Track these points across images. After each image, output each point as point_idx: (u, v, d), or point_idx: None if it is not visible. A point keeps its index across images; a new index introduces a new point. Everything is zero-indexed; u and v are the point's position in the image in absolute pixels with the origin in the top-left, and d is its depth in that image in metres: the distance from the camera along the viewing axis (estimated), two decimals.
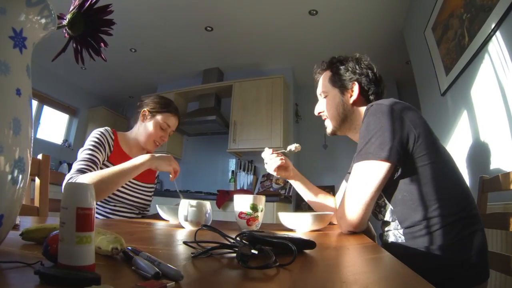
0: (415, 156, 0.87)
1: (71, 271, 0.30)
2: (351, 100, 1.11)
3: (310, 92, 4.67)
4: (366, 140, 0.89)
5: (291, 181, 1.33)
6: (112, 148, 1.36)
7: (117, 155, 1.37)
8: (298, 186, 1.33)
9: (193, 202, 0.94)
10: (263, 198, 0.97)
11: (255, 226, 0.96)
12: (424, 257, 0.83)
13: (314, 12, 2.95)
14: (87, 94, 5.06)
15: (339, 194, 1.31)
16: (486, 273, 0.85)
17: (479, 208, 1.19)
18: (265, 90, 3.64)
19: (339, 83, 1.13)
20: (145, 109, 1.46)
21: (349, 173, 1.18)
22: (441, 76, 2.10)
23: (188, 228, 0.93)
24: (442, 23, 2.02)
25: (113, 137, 1.39)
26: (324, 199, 1.32)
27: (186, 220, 0.93)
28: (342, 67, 1.13)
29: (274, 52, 3.78)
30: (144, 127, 1.46)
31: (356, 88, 1.10)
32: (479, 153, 1.60)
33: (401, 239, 0.90)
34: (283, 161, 1.25)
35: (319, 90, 1.20)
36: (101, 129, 1.37)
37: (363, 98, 1.12)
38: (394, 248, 0.90)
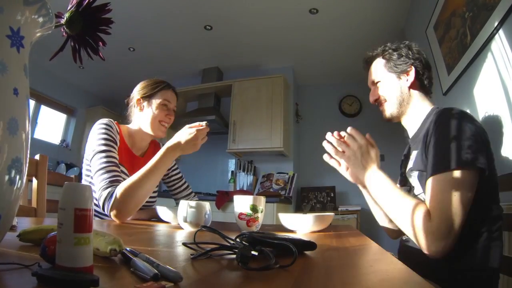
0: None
1: (69, 273, 0.30)
2: (408, 84, 1.10)
3: (311, 92, 4.68)
4: (454, 146, 0.83)
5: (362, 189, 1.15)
6: (118, 143, 1.27)
7: (122, 151, 1.30)
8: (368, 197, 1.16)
9: (192, 203, 0.94)
10: (263, 198, 0.97)
11: (255, 227, 0.95)
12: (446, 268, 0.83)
13: (315, 10, 2.95)
14: (85, 93, 5.06)
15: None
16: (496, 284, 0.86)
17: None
18: (265, 89, 3.64)
19: (394, 68, 1.13)
20: (137, 97, 1.39)
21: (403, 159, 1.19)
22: (443, 76, 2.10)
23: (188, 229, 0.93)
24: (444, 22, 2.02)
25: (118, 130, 1.30)
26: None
27: (185, 221, 0.93)
28: (395, 53, 1.13)
29: (274, 51, 3.78)
30: (145, 115, 1.37)
31: (412, 72, 1.10)
32: None
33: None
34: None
35: (373, 77, 1.18)
36: (105, 121, 1.27)
37: (418, 82, 1.12)
38: (417, 256, 0.86)
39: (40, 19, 0.44)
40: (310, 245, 0.55)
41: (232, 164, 4.03)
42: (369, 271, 0.49)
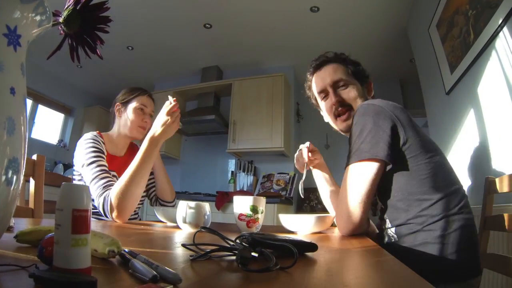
0: (406, 156, 0.90)
1: (67, 274, 0.30)
2: (371, 94, 1.18)
3: None
4: (358, 141, 0.92)
5: (314, 169, 1.35)
6: (105, 152, 1.35)
7: (108, 159, 1.36)
8: (318, 175, 1.35)
9: (192, 203, 0.94)
10: (263, 199, 0.97)
11: (255, 228, 0.95)
12: (414, 253, 0.85)
13: (316, 8, 2.95)
14: (83, 93, 5.06)
15: None
16: (477, 268, 0.87)
17: (485, 210, 1.19)
18: (265, 88, 3.64)
19: (360, 76, 1.15)
20: (117, 103, 1.50)
21: None
22: (445, 75, 2.10)
23: (187, 230, 0.93)
24: (446, 20, 2.02)
25: (102, 140, 1.38)
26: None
27: (184, 222, 0.93)
28: (353, 64, 1.17)
29: (274, 50, 3.78)
30: (123, 119, 1.47)
31: (371, 86, 1.18)
32: (486, 153, 1.60)
33: (394, 238, 0.93)
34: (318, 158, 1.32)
35: (335, 78, 1.15)
36: (90, 135, 1.34)
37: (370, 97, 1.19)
38: (389, 248, 0.90)
39: (38, 18, 0.44)
40: (311, 246, 0.55)
41: (232, 164, 4.03)
42: (371, 273, 0.49)
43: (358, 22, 3.11)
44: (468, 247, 0.86)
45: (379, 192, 0.98)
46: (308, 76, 1.27)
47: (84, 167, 1.22)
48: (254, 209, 0.93)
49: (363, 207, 0.89)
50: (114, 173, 1.33)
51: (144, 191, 1.55)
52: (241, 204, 0.94)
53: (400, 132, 0.90)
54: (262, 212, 0.95)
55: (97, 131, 1.42)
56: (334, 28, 3.23)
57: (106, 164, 1.26)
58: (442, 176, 0.92)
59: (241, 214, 0.94)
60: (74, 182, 1.33)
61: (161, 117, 1.14)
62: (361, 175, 0.89)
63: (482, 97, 1.65)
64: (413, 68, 3.03)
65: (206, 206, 0.97)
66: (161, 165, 1.52)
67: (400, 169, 0.90)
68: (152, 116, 1.49)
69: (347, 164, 0.94)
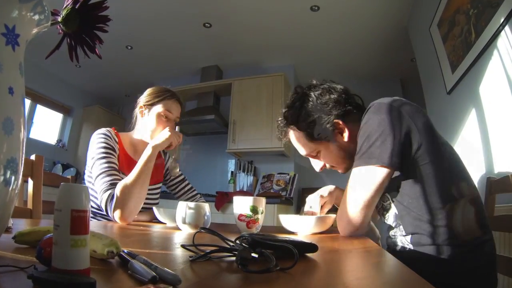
0: (419, 163, 0.86)
1: (65, 275, 0.30)
2: (346, 138, 1.01)
3: None
4: (367, 143, 0.87)
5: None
6: (117, 151, 1.29)
7: (122, 159, 1.31)
8: None
9: (191, 204, 0.94)
10: (263, 199, 0.97)
11: (255, 229, 0.95)
12: (432, 264, 0.84)
13: (316, 7, 2.95)
14: (81, 92, 5.06)
15: None
16: (494, 281, 0.86)
17: (486, 211, 1.19)
18: (265, 88, 3.64)
19: (320, 137, 1.01)
20: (141, 104, 1.39)
21: None
22: (447, 74, 2.10)
23: (186, 230, 0.93)
24: (448, 19, 2.02)
25: (116, 139, 1.32)
26: None
27: (184, 222, 0.93)
28: (304, 124, 1.02)
29: (274, 49, 3.78)
30: (145, 123, 1.37)
31: (339, 124, 1.00)
32: (487, 153, 1.60)
33: (409, 247, 0.91)
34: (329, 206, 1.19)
35: (303, 152, 1.09)
36: (103, 131, 1.29)
37: (352, 123, 1.01)
38: (402, 254, 0.91)
39: (36, 17, 0.44)
40: (311, 247, 0.55)
41: (231, 164, 4.03)
42: (371, 274, 0.49)
43: (359, 21, 3.11)
44: (488, 262, 0.85)
45: (393, 196, 0.94)
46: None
47: (94, 162, 1.20)
48: (254, 210, 0.94)
49: (365, 212, 0.88)
50: (124, 176, 1.27)
51: (175, 193, 1.58)
52: (241, 205, 0.95)
53: (414, 137, 0.85)
54: (262, 213, 0.96)
55: (113, 128, 1.35)
56: (334, 27, 3.23)
57: (116, 162, 1.22)
58: (462, 185, 0.89)
59: (241, 215, 0.94)
60: (86, 179, 1.30)
61: (167, 135, 1.23)
62: (366, 180, 0.87)
63: (484, 96, 1.65)
64: (414, 68, 3.04)
65: (206, 207, 0.97)
66: None
67: (415, 176, 0.87)
68: (177, 123, 1.42)
69: (354, 166, 0.92)
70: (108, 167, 1.17)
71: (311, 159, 1.12)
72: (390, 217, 0.97)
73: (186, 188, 1.58)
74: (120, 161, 1.29)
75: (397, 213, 0.94)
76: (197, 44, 3.72)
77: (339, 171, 1.11)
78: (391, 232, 0.99)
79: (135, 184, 1.10)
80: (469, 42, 1.72)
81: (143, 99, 1.41)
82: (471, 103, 1.79)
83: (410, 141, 0.85)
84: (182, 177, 1.60)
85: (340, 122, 1.00)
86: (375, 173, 0.86)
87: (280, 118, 1.12)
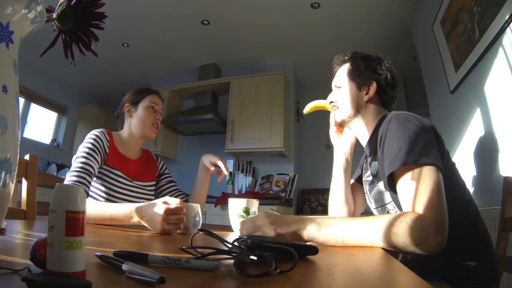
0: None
1: (61, 278, 0.30)
2: (366, 98, 1.14)
3: (312, 90, 4.68)
4: (408, 141, 0.83)
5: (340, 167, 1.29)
6: (107, 150, 1.38)
7: (114, 157, 1.40)
8: (340, 175, 1.30)
9: None
10: (255, 201, 1.05)
11: None
12: (426, 266, 0.84)
13: (317, 5, 2.95)
14: (77, 91, 5.05)
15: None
16: (496, 278, 0.88)
17: (504, 211, 1.21)
18: (264, 87, 3.65)
19: (357, 78, 1.15)
20: (126, 104, 1.53)
21: (362, 171, 1.24)
22: (450, 73, 2.10)
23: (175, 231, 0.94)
24: (451, 17, 2.02)
25: (108, 138, 1.40)
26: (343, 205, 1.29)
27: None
28: (363, 63, 1.16)
29: (274, 47, 3.78)
30: (135, 119, 1.50)
31: (373, 87, 1.13)
32: (495, 153, 1.59)
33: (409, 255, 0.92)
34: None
35: (335, 81, 1.23)
36: (97, 132, 1.38)
37: (378, 98, 1.15)
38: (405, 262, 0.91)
39: (30, 14, 0.44)
40: (311, 249, 0.55)
41: (230, 165, 4.03)
42: (373, 277, 0.49)
43: (360, 18, 3.11)
44: (488, 259, 0.88)
45: (398, 203, 0.90)
46: (334, 67, 1.32)
47: (73, 158, 1.28)
48: (246, 211, 1.02)
49: (446, 212, 0.76)
50: (117, 171, 1.37)
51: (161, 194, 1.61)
52: (234, 206, 1.04)
53: (439, 145, 0.91)
54: (254, 214, 1.04)
55: (108, 130, 1.45)
56: (335, 25, 3.24)
57: (94, 165, 1.27)
58: (461, 189, 0.96)
59: (234, 215, 1.04)
60: None
61: (157, 210, 0.93)
62: (431, 180, 0.78)
63: (489, 96, 1.65)
64: (417, 66, 3.04)
65: (196, 208, 0.98)
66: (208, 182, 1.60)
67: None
68: (162, 115, 1.59)
69: (400, 165, 0.82)
70: (81, 167, 1.22)
71: (332, 92, 1.24)
72: None
73: (172, 189, 1.61)
74: (111, 158, 1.38)
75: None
76: (194, 42, 3.72)
77: (336, 115, 1.20)
78: None
79: (95, 214, 1.08)
80: (472, 40, 1.73)
81: (127, 98, 1.56)
82: (476, 102, 1.79)
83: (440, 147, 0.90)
84: (170, 178, 1.65)
85: (375, 85, 1.13)
86: (434, 173, 0.79)
87: (344, 54, 1.25)
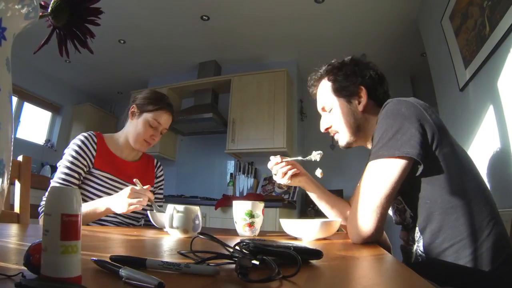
0: (439, 158, 0.86)
1: (56, 284, 0.30)
2: (361, 107, 1.08)
3: None
4: (385, 136, 0.88)
5: (308, 192, 1.28)
6: (95, 154, 1.37)
7: (104, 159, 1.38)
8: (313, 196, 1.27)
9: (180, 207, 0.94)
10: (260, 204, 1.07)
11: (251, 232, 1.06)
12: (442, 274, 0.84)
13: None
14: (71, 90, 5.07)
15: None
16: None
17: None
18: (266, 85, 3.64)
19: (342, 91, 1.10)
20: (134, 105, 1.47)
21: None
22: (459, 70, 2.10)
23: (176, 235, 0.94)
24: (460, 11, 2.02)
25: (95, 140, 1.39)
26: (341, 209, 1.25)
27: (171, 226, 0.93)
28: (341, 73, 1.11)
29: (276, 44, 3.78)
30: (133, 126, 1.45)
31: (363, 92, 1.08)
32: (506, 154, 1.59)
33: (421, 257, 0.90)
34: (295, 169, 1.22)
35: (320, 104, 1.17)
36: (82, 136, 1.38)
37: (372, 101, 1.10)
38: (416, 268, 0.89)
39: (24, 9, 0.44)
40: (315, 253, 0.55)
41: (231, 166, 4.03)
42: (379, 282, 0.49)
43: (365, 13, 3.10)
44: (504, 261, 0.83)
45: (407, 198, 0.93)
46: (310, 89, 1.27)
47: (59, 166, 1.31)
48: (251, 214, 1.04)
49: (379, 213, 0.85)
50: (107, 174, 1.37)
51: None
52: (239, 209, 1.06)
53: (433, 133, 0.87)
54: (259, 217, 1.06)
55: (97, 132, 1.43)
56: (340, 20, 3.23)
57: (79, 170, 1.31)
58: (473, 183, 0.89)
59: (239, 218, 1.06)
60: None
61: (125, 196, 1.14)
62: (383, 175, 0.85)
63: (499, 93, 1.64)
64: (425, 63, 3.03)
65: (196, 210, 0.98)
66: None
67: (432, 173, 0.86)
68: (163, 134, 1.52)
69: (370, 159, 0.91)
70: (66, 172, 1.28)
71: (322, 117, 1.18)
72: (407, 219, 0.95)
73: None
74: (100, 160, 1.37)
75: (412, 214, 0.92)
76: (194, 38, 3.72)
77: (339, 140, 1.14)
78: (408, 239, 0.97)
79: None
80: (483, 36, 1.72)
81: (139, 99, 1.48)
82: (486, 100, 1.78)
83: (428, 135, 0.86)
84: (161, 192, 1.66)
85: (364, 89, 1.08)
86: (393, 165, 0.84)
87: (317, 72, 1.20)
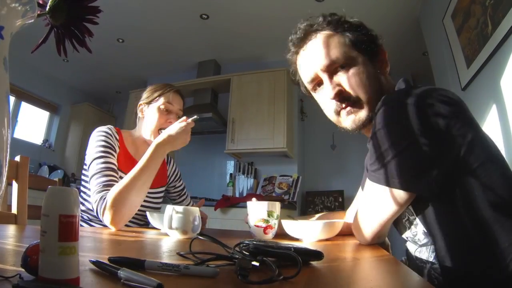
0: (470, 166, 0.70)
1: (53, 285, 0.30)
2: (388, 71, 0.89)
3: None
4: (389, 152, 0.71)
5: None
6: (117, 149, 1.31)
7: (123, 158, 1.33)
8: None
9: (179, 208, 0.94)
10: (278, 204, 1.03)
11: (272, 234, 1.01)
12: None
13: None
14: (69, 89, 5.06)
15: (355, 203, 1.25)
16: None
17: None
18: (266, 84, 3.64)
19: (366, 46, 0.86)
20: (140, 102, 1.45)
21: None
22: (461, 69, 2.10)
23: (174, 236, 0.94)
24: (462, 10, 2.02)
25: (117, 136, 1.34)
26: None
27: (170, 227, 0.93)
28: (358, 29, 0.89)
29: (277, 43, 3.76)
30: (146, 119, 1.42)
31: (385, 56, 0.90)
32: (509, 154, 1.59)
33: (437, 280, 0.76)
34: None
35: (328, 58, 0.86)
36: (104, 128, 1.32)
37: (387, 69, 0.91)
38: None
39: (21, 8, 0.44)
40: (316, 254, 0.55)
41: (230, 166, 4.03)
42: (381, 284, 0.49)
43: (366, 11, 3.10)
44: None
45: (422, 213, 0.76)
46: (289, 57, 1.04)
47: (91, 161, 1.21)
48: (271, 215, 0.99)
49: (380, 232, 0.83)
50: (124, 175, 1.32)
51: (173, 202, 1.60)
52: (257, 210, 1.00)
53: (455, 135, 0.68)
54: (277, 218, 1.01)
55: (117, 128, 1.39)
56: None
57: (115, 162, 1.24)
58: (504, 195, 0.70)
59: (257, 220, 1.00)
60: (82, 177, 1.32)
61: (177, 125, 1.19)
62: (385, 203, 0.75)
63: (503, 92, 1.64)
64: (426, 62, 3.03)
65: (195, 211, 0.98)
66: None
67: (454, 195, 0.70)
68: (180, 117, 1.43)
69: (372, 179, 0.77)
70: (105, 167, 1.18)
71: (327, 82, 0.87)
72: (418, 234, 0.79)
73: (182, 198, 1.63)
74: (121, 160, 1.31)
75: (425, 230, 0.77)
76: (193, 37, 3.72)
77: (356, 114, 0.85)
78: (416, 248, 0.84)
79: (130, 188, 1.08)
80: (485, 34, 1.72)
81: (143, 97, 1.46)
82: (488, 99, 1.78)
83: (448, 140, 0.69)
84: (182, 186, 1.64)
85: (386, 54, 0.90)
86: (395, 196, 0.73)
87: (317, 18, 0.93)
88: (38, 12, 0.51)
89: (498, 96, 1.67)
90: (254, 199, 1.06)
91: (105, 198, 1.08)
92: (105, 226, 1.22)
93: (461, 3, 2.04)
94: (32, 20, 0.48)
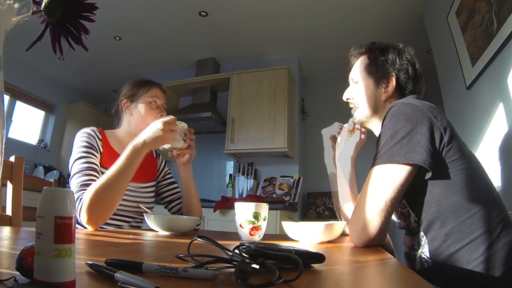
0: (446, 160, 0.88)
1: None
2: (384, 96, 1.14)
3: (318, 85, 4.68)
4: (391, 141, 0.89)
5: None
6: (101, 150, 1.34)
7: (109, 157, 1.34)
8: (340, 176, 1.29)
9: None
10: (265, 205, 1.01)
11: (258, 236, 0.99)
12: (451, 280, 0.84)
13: None
14: (65, 88, 5.07)
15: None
16: None
17: None
18: (267, 83, 3.64)
19: (375, 73, 1.15)
20: (123, 99, 1.45)
21: None
22: (466, 67, 2.10)
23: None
24: (467, 7, 2.02)
25: (100, 136, 1.36)
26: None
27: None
28: (381, 57, 1.15)
29: (277, 40, 3.78)
30: (135, 116, 1.43)
31: (392, 83, 1.13)
32: None
33: (427, 263, 0.91)
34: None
35: (352, 75, 1.23)
36: (87, 130, 1.34)
37: (397, 95, 1.14)
38: (422, 275, 0.89)
39: (16, 5, 0.44)
40: (317, 257, 0.55)
41: (230, 166, 4.03)
42: (384, 287, 0.48)
43: (369, 8, 3.10)
44: None
45: (412, 202, 0.96)
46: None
47: (73, 162, 1.23)
48: (257, 216, 0.98)
49: (383, 216, 0.87)
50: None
51: (165, 202, 1.59)
52: (243, 211, 0.99)
53: (441, 137, 0.89)
54: (264, 219, 1.00)
55: (99, 128, 1.40)
56: (342, 15, 3.23)
57: (97, 162, 1.26)
58: (481, 184, 0.91)
59: (243, 221, 0.98)
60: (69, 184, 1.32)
61: (153, 124, 1.20)
62: (388, 179, 0.87)
63: (509, 91, 1.64)
64: (430, 60, 3.03)
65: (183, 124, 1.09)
66: (192, 181, 1.53)
67: (438, 177, 0.88)
68: (166, 110, 1.51)
69: (373, 165, 0.92)
70: (85, 167, 1.20)
71: (349, 87, 1.25)
72: (412, 224, 0.97)
73: (172, 192, 1.61)
74: (106, 159, 1.32)
75: (416, 219, 0.94)
76: (191, 35, 3.72)
77: (356, 114, 1.21)
78: (413, 245, 0.98)
79: (105, 187, 1.09)
80: (490, 32, 1.72)
81: (124, 93, 1.47)
82: (493, 98, 1.78)
83: (436, 137, 0.88)
84: (171, 179, 1.64)
85: (394, 81, 1.13)
86: (398, 171, 0.86)
87: (362, 46, 1.24)
88: (33, 9, 0.51)
89: (504, 95, 1.67)
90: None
91: (81, 198, 1.09)
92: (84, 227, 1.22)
93: (465, 0, 2.04)
94: (27, 18, 0.48)
